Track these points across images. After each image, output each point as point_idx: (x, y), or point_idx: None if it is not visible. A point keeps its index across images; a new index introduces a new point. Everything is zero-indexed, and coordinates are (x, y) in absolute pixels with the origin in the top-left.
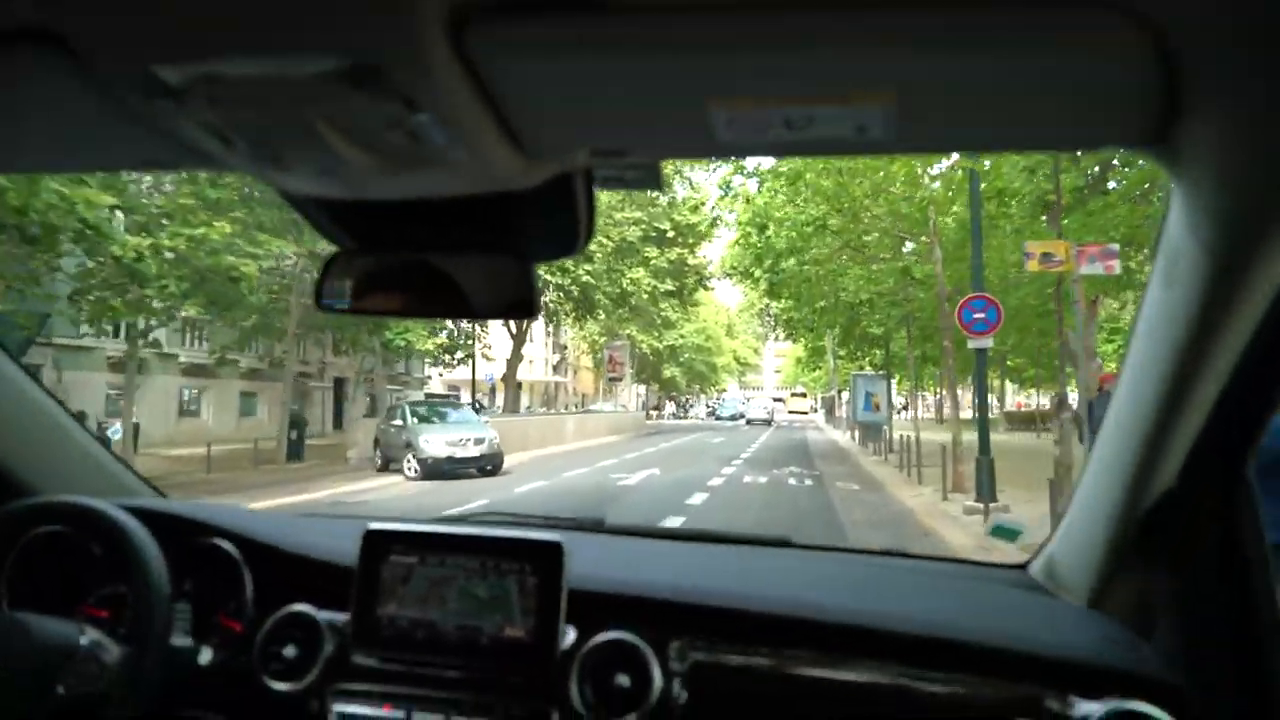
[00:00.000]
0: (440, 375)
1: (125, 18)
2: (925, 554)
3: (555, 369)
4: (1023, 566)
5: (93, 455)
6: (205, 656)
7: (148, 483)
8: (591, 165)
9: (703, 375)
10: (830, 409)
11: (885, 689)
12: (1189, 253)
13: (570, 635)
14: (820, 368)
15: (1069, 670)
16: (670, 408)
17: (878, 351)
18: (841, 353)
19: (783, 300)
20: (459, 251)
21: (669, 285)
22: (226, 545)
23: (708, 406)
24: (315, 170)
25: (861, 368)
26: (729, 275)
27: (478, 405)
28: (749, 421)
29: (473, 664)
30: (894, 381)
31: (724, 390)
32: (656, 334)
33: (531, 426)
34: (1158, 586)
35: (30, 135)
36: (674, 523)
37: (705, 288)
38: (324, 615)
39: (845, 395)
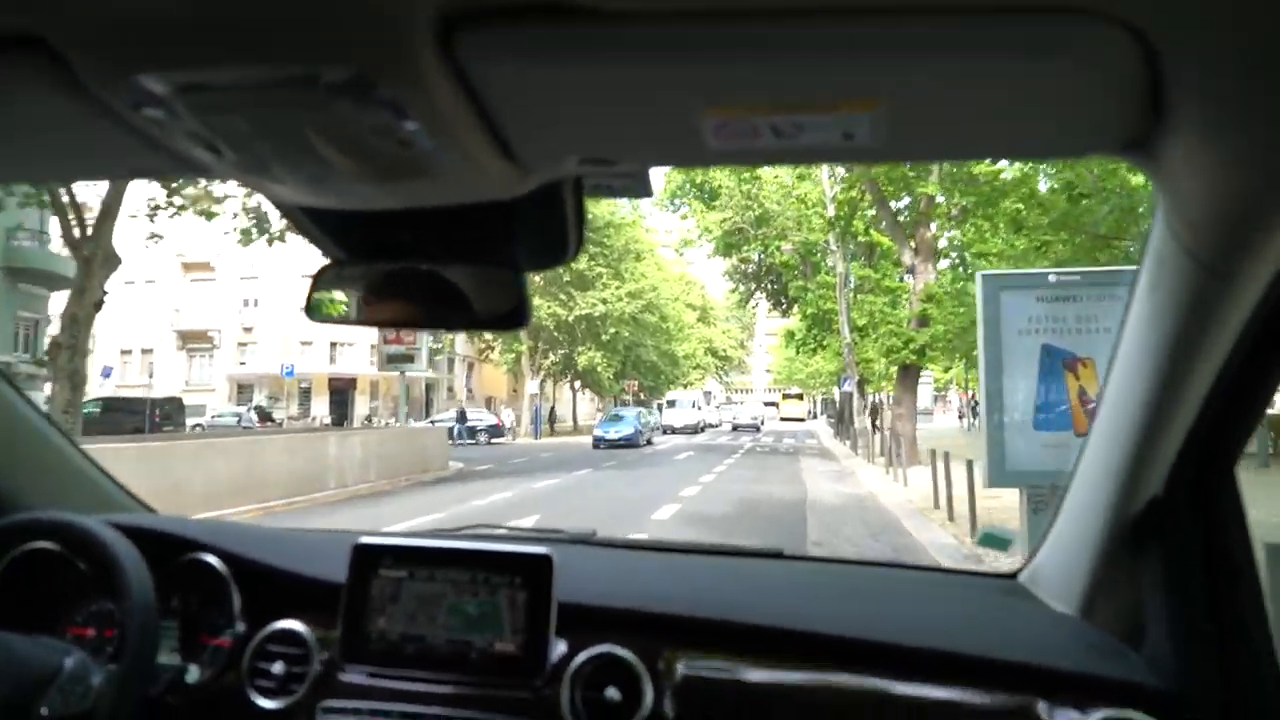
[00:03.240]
0: (240, 364)
1: (111, 24)
2: (916, 564)
3: (429, 360)
4: (1013, 575)
5: (79, 470)
6: (193, 674)
7: (135, 498)
8: (581, 174)
9: (655, 368)
10: (841, 415)
11: (877, 700)
12: (1173, 257)
13: (560, 648)
14: (827, 345)
15: (1060, 679)
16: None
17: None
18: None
19: None
20: (449, 261)
21: None
22: (214, 561)
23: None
24: (304, 180)
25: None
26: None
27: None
28: (736, 427)
29: (463, 678)
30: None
31: (698, 388)
32: (564, 298)
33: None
34: (1147, 593)
35: (15, 144)
36: None
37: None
38: (312, 631)
39: (877, 395)
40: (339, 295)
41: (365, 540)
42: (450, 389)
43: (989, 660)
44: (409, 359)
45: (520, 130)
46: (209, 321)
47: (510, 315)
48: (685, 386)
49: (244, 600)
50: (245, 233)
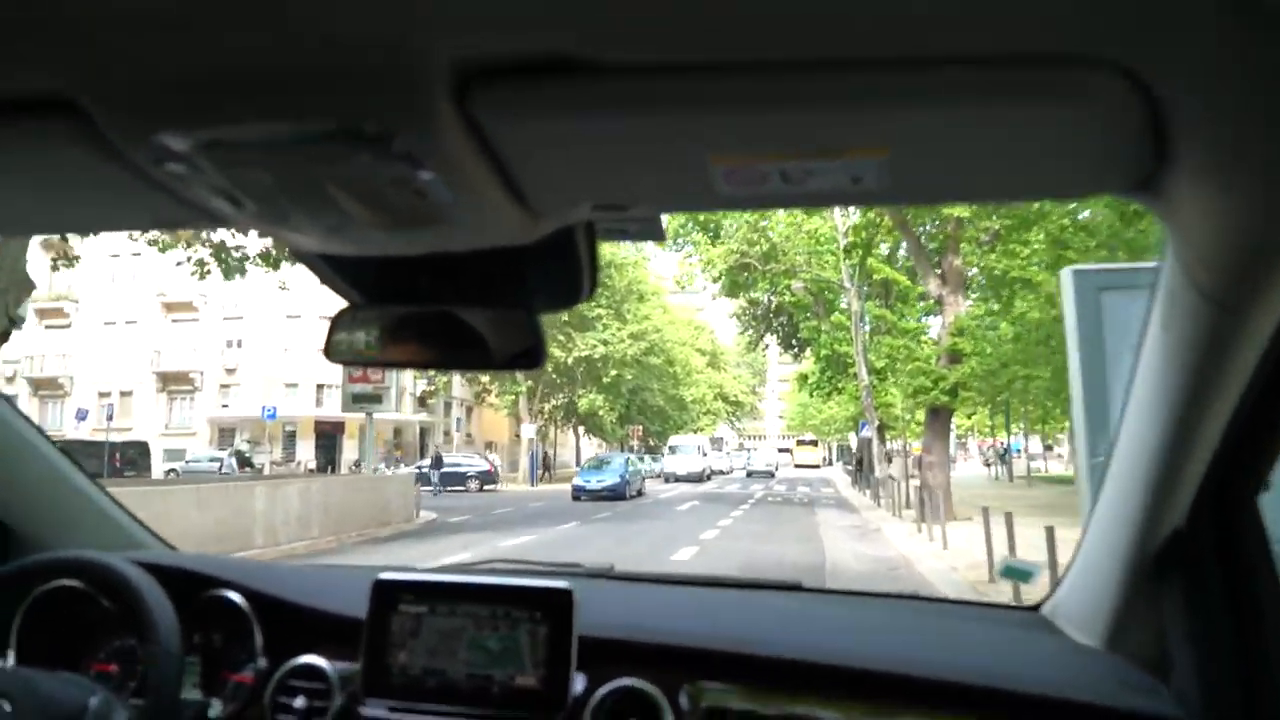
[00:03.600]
0: (223, 406)
1: (135, 85)
2: (938, 596)
3: (422, 403)
4: (1035, 608)
5: (101, 508)
6: (215, 710)
7: (156, 535)
8: (594, 219)
9: (662, 413)
10: (860, 462)
11: None
12: (1185, 295)
13: (581, 682)
14: (842, 388)
15: (1086, 713)
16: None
17: None
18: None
19: None
20: (465, 304)
21: None
22: (236, 598)
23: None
24: (324, 229)
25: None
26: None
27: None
28: (750, 474)
29: (484, 713)
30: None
31: (708, 433)
32: (563, 339)
33: None
34: (1171, 626)
35: (41, 199)
36: None
37: None
38: (334, 666)
39: (893, 442)
40: (357, 337)
41: (386, 576)
42: (447, 433)
43: (1014, 693)
44: (376, 399)
45: (534, 179)
46: (190, 363)
47: (525, 355)
48: (696, 431)
49: (266, 636)
50: (200, 264)
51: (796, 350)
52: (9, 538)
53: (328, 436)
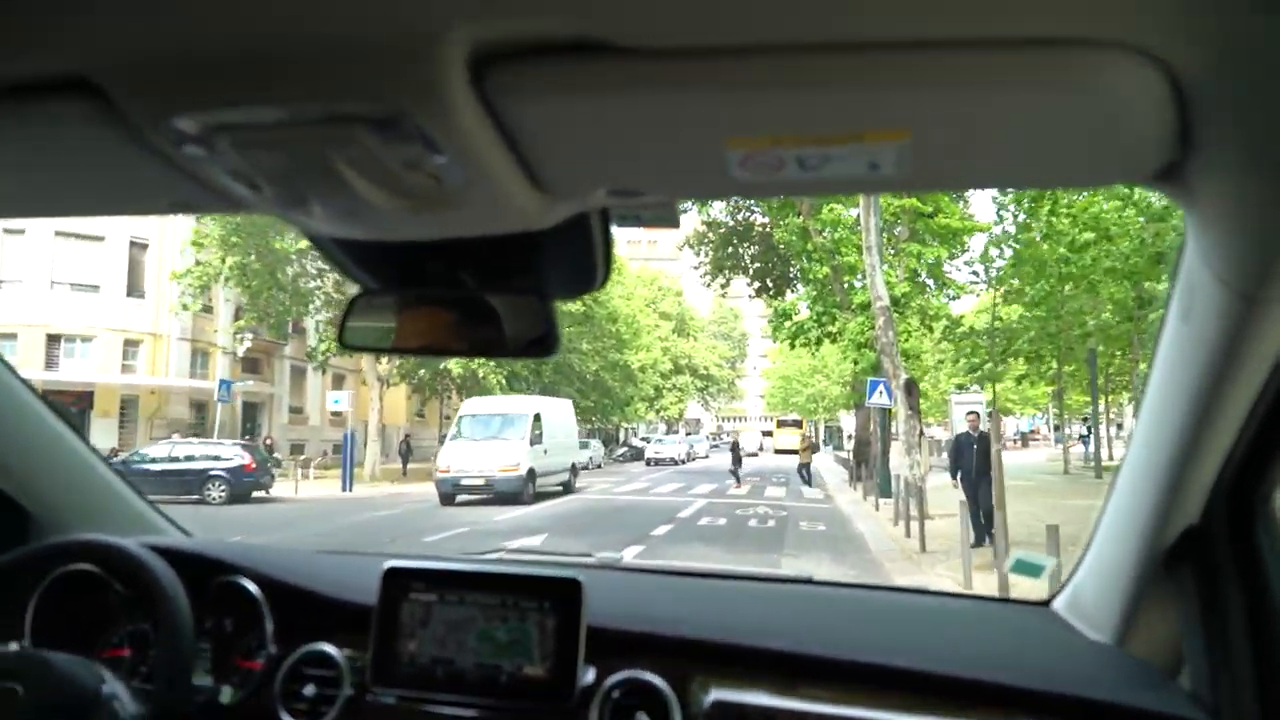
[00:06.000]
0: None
1: (156, 67)
2: (949, 591)
3: (252, 368)
4: (1046, 603)
5: (117, 492)
6: (226, 696)
7: (171, 520)
8: (608, 204)
9: (599, 384)
10: (863, 453)
11: None
12: (1205, 286)
13: (589, 674)
14: (840, 331)
15: (1096, 710)
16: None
17: None
18: None
19: None
20: (480, 290)
21: None
22: (248, 584)
23: None
24: (339, 213)
25: None
26: None
27: None
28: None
29: (492, 703)
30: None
31: (673, 413)
32: None
33: None
34: (1184, 623)
35: (63, 180)
36: None
37: None
38: (344, 654)
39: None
40: (371, 323)
41: (395, 563)
42: (298, 410)
43: (1024, 689)
44: None
45: (549, 163)
46: None
47: (539, 342)
48: (658, 412)
49: (277, 623)
50: None
51: (773, 290)
52: (27, 521)
53: (65, 413)
